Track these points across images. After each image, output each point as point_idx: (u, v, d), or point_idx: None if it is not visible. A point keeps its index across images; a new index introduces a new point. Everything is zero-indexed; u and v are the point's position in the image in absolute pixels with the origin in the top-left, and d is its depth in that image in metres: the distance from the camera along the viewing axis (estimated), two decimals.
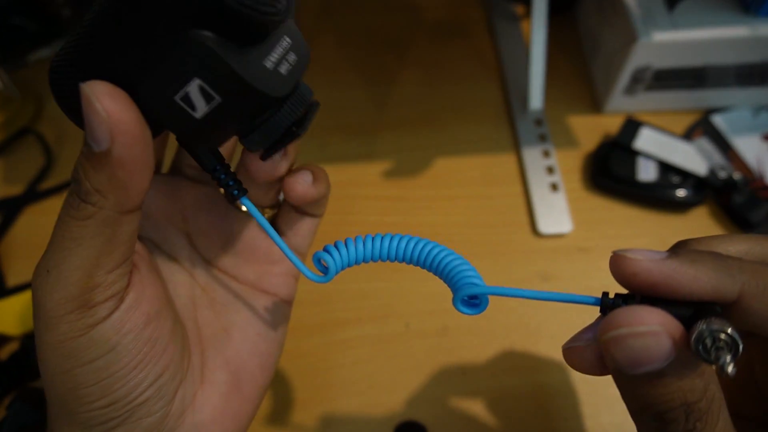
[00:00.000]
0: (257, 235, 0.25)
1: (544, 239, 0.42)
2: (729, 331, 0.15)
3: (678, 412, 0.16)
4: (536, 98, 0.46)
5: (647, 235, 0.42)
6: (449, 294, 0.20)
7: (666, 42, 0.41)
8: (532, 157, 0.45)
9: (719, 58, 0.43)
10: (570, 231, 0.42)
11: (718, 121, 0.47)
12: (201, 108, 0.16)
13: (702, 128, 0.46)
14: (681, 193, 0.42)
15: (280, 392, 0.36)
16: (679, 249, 0.18)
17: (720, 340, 0.15)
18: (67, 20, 0.53)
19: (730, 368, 0.14)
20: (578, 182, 0.44)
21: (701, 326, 0.15)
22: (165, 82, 0.16)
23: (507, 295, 0.19)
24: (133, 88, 0.16)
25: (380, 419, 0.35)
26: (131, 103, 0.16)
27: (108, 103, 0.15)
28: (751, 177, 0.44)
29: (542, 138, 0.46)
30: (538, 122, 0.47)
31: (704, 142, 0.46)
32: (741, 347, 0.15)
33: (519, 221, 0.43)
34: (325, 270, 0.20)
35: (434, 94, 0.50)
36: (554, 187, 0.44)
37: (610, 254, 0.17)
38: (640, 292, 0.17)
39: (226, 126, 0.17)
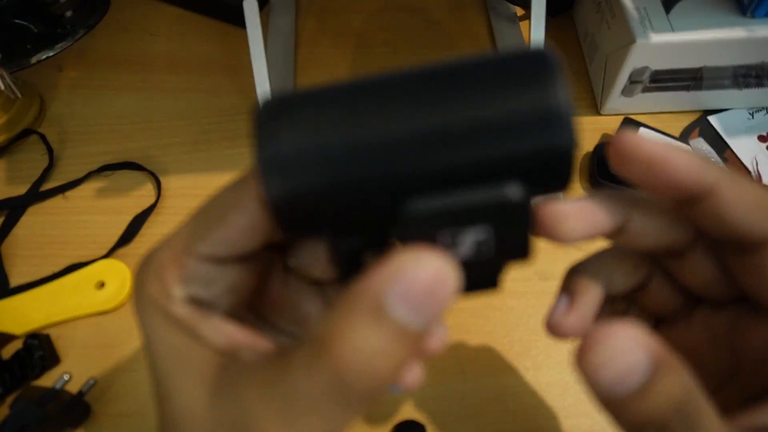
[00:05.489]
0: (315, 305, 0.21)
1: (542, 239, 0.42)
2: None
3: (674, 419, 0.15)
4: None
5: None
6: None
7: (663, 43, 0.41)
8: None
9: (716, 60, 0.43)
10: None
11: (715, 122, 0.47)
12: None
13: (699, 129, 0.47)
14: None
15: None
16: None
17: None
18: (69, 21, 0.53)
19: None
20: (576, 182, 0.45)
21: None
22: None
23: None
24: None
25: (379, 419, 0.35)
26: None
27: None
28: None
29: None
30: None
31: (701, 143, 0.46)
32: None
33: None
34: None
35: None
36: None
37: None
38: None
39: None
